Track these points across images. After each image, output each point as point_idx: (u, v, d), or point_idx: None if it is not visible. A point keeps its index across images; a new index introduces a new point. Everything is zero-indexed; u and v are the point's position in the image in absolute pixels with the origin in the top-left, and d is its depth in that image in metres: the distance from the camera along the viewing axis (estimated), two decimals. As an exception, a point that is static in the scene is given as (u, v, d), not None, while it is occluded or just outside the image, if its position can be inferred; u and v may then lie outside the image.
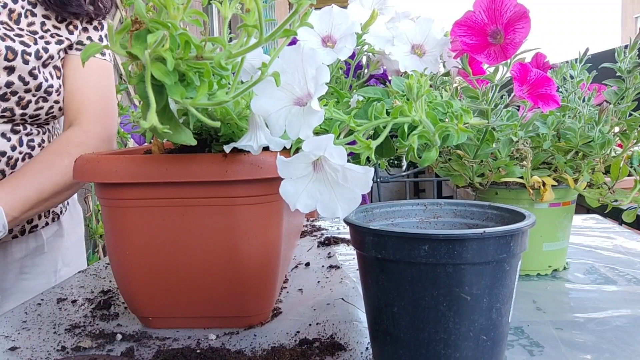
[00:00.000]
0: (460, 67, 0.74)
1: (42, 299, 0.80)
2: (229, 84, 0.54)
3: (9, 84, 0.91)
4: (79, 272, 0.94)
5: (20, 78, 0.92)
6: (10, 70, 0.90)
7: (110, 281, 0.88)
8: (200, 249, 0.62)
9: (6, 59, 0.89)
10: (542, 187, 0.78)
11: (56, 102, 0.99)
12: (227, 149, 0.57)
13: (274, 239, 0.64)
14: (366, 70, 0.80)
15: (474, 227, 0.58)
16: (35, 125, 1.00)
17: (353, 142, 0.55)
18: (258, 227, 0.62)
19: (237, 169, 0.58)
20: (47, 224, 1.06)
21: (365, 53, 0.79)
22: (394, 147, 0.65)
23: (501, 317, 0.49)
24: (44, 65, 0.95)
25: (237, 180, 0.59)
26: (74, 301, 0.78)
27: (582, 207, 1.14)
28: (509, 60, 0.70)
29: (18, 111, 0.95)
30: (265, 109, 0.53)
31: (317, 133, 0.52)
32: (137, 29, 0.46)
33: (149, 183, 0.60)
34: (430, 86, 0.76)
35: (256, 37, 0.49)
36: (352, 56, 0.77)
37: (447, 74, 0.79)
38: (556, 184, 0.79)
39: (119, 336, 0.64)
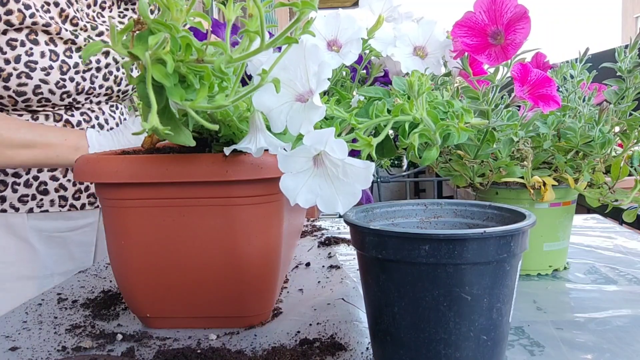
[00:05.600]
0: (461, 67, 0.74)
1: (43, 299, 0.80)
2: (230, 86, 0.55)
3: (107, 65, 1.07)
4: (79, 272, 0.94)
5: (114, 58, 1.08)
6: (107, 52, 1.06)
7: (110, 281, 0.88)
8: (200, 249, 0.62)
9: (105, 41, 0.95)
10: (542, 187, 0.78)
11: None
12: (227, 151, 0.57)
13: (275, 239, 0.65)
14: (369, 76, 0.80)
15: (474, 227, 0.58)
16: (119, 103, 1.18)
17: (354, 142, 0.55)
18: (258, 227, 0.62)
19: (238, 169, 0.58)
20: None
21: (365, 53, 0.79)
22: (395, 147, 0.66)
23: (502, 317, 0.49)
24: None
25: (238, 181, 0.59)
26: (74, 301, 0.78)
27: (583, 207, 1.14)
28: (509, 61, 0.70)
29: (115, 88, 1.11)
30: (266, 104, 0.53)
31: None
32: (139, 30, 0.46)
33: (150, 183, 0.60)
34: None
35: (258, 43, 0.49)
36: (359, 61, 0.77)
37: (448, 74, 0.79)
38: (557, 183, 0.79)
39: (120, 336, 0.64)
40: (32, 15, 0.95)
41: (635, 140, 0.79)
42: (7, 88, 0.97)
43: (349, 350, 0.59)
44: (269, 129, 0.54)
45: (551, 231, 0.82)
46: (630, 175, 0.78)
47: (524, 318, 0.67)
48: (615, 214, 1.46)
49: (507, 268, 0.48)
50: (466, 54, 0.72)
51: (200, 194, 0.60)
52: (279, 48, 0.51)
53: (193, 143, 0.54)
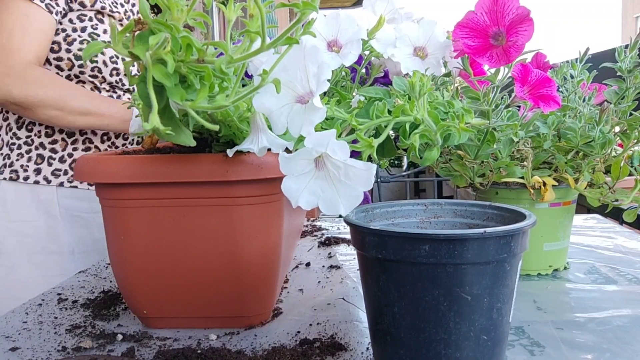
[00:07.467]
0: (461, 67, 0.74)
1: (43, 299, 0.80)
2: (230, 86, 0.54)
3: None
4: (80, 272, 0.94)
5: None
6: None
7: (110, 281, 0.88)
8: (200, 249, 0.62)
9: None
10: (542, 187, 0.78)
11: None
12: (229, 153, 0.57)
13: (275, 239, 0.65)
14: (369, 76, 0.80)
15: (474, 227, 0.58)
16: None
17: (354, 142, 0.55)
18: (259, 227, 0.62)
19: (238, 169, 0.58)
20: None
21: (365, 54, 0.79)
22: (395, 147, 0.65)
23: (502, 317, 0.49)
24: None
25: (238, 181, 0.59)
26: (74, 301, 0.78)
27: (583, 206, 1.14)
28: (510, 62, 0.70)
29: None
30: (267, 106, 0.53)
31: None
32: (140, 30, 0.46)
33: (150, 183, 0.60)
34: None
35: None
36: (359, 62, 0.76)
37: (448, 74, 0.79)
38: (557, 183, 0.79)
39: (120, 336, 0.64)
40: (102, 0, 1.14)
41: (635, 140, 0.79)
42: (69, 51, 1.13)
43: (349, 350, 0.59)
44: (270, 128, 0.54)
45: (551, 231, 0.82)
46: (630, 175, 0.78)
47: (524, 318, 0.67)
48: (615, 214, 1.46)
49: (507, 268, 0.48)
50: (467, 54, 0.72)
51: (200, 194, 0.60)
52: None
53: (193, 143, 0.54)
